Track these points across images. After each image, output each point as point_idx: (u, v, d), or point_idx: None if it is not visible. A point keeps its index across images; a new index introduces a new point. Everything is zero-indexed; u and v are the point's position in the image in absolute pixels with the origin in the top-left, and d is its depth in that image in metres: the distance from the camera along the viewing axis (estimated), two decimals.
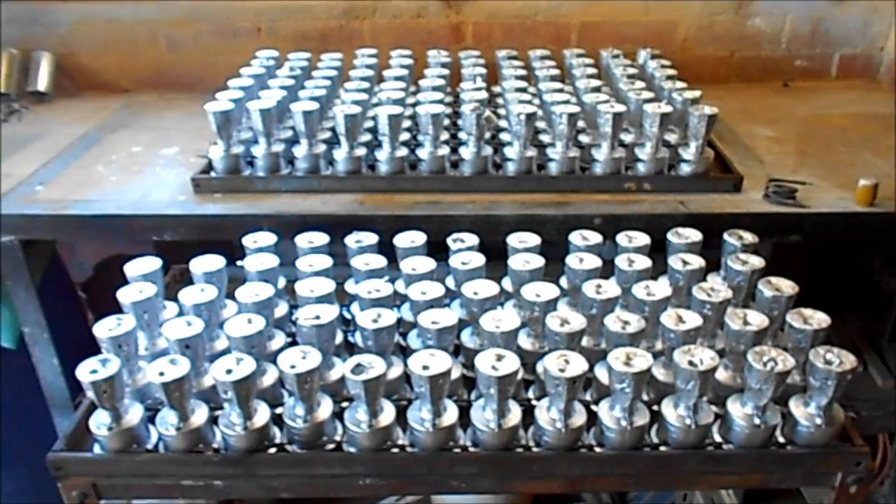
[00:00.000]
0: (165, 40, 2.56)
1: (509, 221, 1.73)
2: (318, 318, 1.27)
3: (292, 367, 1.16)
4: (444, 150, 1.86)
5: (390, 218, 1.73)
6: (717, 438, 1.27)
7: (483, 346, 1.30)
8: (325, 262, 1.48)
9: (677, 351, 1.21)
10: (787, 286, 1.38)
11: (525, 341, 1.41)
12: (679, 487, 1.29)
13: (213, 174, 1.86)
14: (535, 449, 1.25)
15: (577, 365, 1.18)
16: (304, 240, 1.56)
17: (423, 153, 1.85)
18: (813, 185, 1.84)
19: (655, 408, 1.29)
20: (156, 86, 2.60)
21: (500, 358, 1.19)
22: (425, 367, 1.17)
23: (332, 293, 1.39)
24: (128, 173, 1.95)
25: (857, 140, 2.16)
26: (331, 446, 1.25)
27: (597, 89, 2.00)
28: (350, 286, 1.52)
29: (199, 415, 1.22)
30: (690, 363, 1.18)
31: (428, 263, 1.48)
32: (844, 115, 2.35)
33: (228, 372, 1.15)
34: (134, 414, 1.22)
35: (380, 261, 1.50)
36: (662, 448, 1.26)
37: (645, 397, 1.34)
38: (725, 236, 1.56)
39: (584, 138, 1.95)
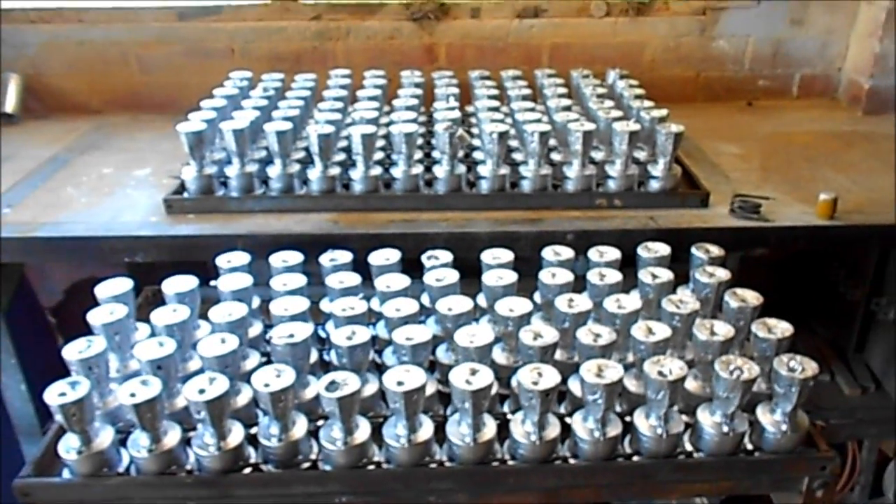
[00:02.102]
0: (137, 61, 2.56)
1: (483, 238, 1.75)
2: (292, 336, 1.27)
3: (266, 385, 1.16)
4: (418, 169, 1.88)
5: (365, 236, 1.74)
6: (689, 447, 1.29)
7: (458, 362, 1.31)
8: (300, 280, 1.49)
9: (647, 362, 1.23)
10: (753, 297, 1.42)
11: (500, 356, 1.43)
12: (652, 496, 1.30)
13: (185, 195, 1.85)
14: (510, 462, 1.26)
15: (549, 378, 1.20)
16: (278, 259, 1.56)
17: (397, 172, 1.87)
18: (776, 199, 1.89)
19: (628, 419, 1.31)
20: (128, 107, 2.59)
21: (473, 372, 1.20)
22: (400, 383, 1.17)
23: (307, 312, 1.39)
24: (98, 195, 1.94)
25: (818, 156, 2.22)
26: (306, 465, 1.25)
27: (567, 108, 2.04)
28: (325, 304, 1.53)
29: (172, 436, 1.21)
30: (660, 373, 1.21)
31: (402, 281, 1.49)
32: (806, 133, 2.42)
33: (201, 392, 1.15)
34: (105, 437, 1.21)
35: (354, 279, 1.50)
36: (635, 458, 1.28)
37: (618, 409, 1.37)
38: (693, 250, 1.59)
39: (555, 156, 1.99)
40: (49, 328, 2.54)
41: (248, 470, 1.23)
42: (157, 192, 1.91)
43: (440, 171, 1.87)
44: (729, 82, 2.72)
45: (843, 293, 2.27)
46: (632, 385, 1.36)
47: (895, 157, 2.15)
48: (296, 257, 1.57)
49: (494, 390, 1.34)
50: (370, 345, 1.31)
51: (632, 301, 1.42)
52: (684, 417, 1.32)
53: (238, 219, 1.81)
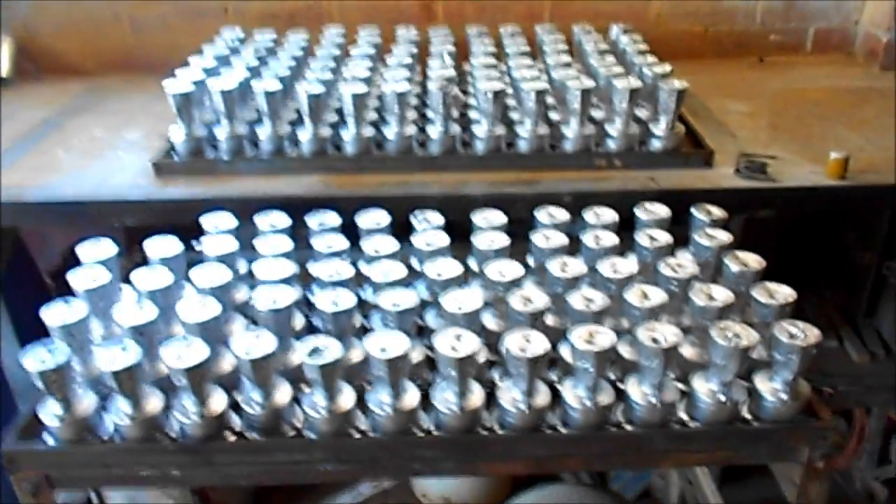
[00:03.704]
0: (129, 21, 2.51)
1: (478, 200, 1.70)
2: (275, 301, 1.24)
3: (246, 352, 1.13)
4: (411, 130, 1.83)
5: (356, 199, 1.69)
6: (683, 416, 1.26)
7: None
8: (285, 243, 1.45)
9: (640, 328, 1.19)
10: (754, 261, 1.37)
11: (490, 321, 1.39)
12: (645, 466, 1.27)
13: (175, 157, 1.81)
14: (498, 430, 1.23)
15: (538, 344, 1.16)
16: (264, 221, 1.53)
17: (389, 132, 1.81)
18: (785, 159, 1.82)
19: (622, 386, 1.27)
20: (120, 68, 2.54)
21: (459, 338, 1.16)
22: (383, 350, 1.14)
23: (292, 276, 1.35)
24: (89, 158, 1.90)
25: (831, 114, 2.14)
26: (291, 433, 1.22)
27: (567, 65, 1.97)
28: (312, 268, 1.49)
29: (154, 402, 1.19)
30: (653, 340, 1.16)
31: (390, 244, 1.44)
32: (819, 90, 2.33)
33: (179, 358, 1.12)
34: (87, 403, 1.19)
35: (341, 242, 1.46)
36: (627, 427, 1.24)
37: (612, 376, 1.33)
38: (693, 211, 1.54)
39: (554, 115, 1.92)
40: (48, 292, 2.52)
41: (231, 437, 1.21)
42: (148, 154, 1.87)
43: (434, 131, 1.81)
44: (739, 37, 2.62)
45: (853, 256, 2.21)
46: (626, 352, 1.32)
47: None
48: (282, 220, 1.53)
49: (483, 357, 1.31)
50: (355, 311, 1.27)
51: (627, 265, 1.37)
52: (681, 385, 1.28)
53: (228, 181, 1.77)
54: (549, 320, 1.40)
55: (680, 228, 1.56)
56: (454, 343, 1.15)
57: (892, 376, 2.11)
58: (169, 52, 2.49)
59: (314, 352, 1.14)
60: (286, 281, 1.32)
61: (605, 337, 1.17)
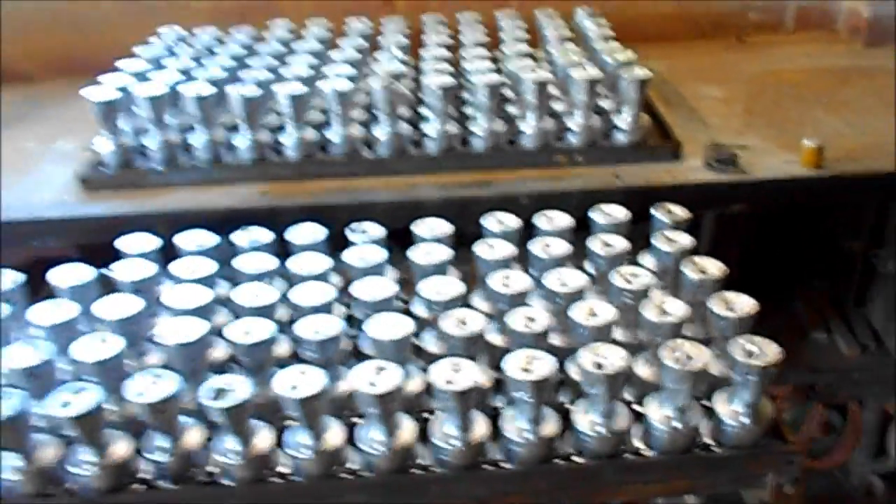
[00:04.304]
0: (71, 21, 2.37)
1: (429, 206, 1.58)
2: (181, 334, 1.12)
3: (139, 395, 1.02)
4: (357, 131, 1.71)
5: (295, 209, 1.57)
6: (638, 444, 1.14)
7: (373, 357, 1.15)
8: (206, 266, 1.32)
9: (582, 350, 1.07)
10: (715, 267, 1.24)
11: (432, 345, 1.27)
12: (599, 499, 1.15)
13: (103, 169, 1.69)
14: (434, 469, 1.12)
15: (468, 374, 1.04)
16: (186, 240, 1.40)
17: (332, 135, 1.69)
18: (757, 148, 1.70)
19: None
20: (64, 72, 2.40)
21: (379, 370, 1.04)
22: (293, 388, 1.02)
23: (208, 304, 1.23)
24: (13, 173, 1.77)
25: (810, 96, 2.00)
26: (204, 479, 1.11)
27: (525, 55, 1.84)
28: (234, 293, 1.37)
29: (46, 453, 1.06)
30: (597, 365, 1.04)
31: (320, 262, 1.32)
32: (799, 70, 2.19)
33: (65, 405, 1.00)
34: None
35: (269, 261, 1.34)
36: (577, 458, 1.12)
37: (565, 400, 1.21)
38: (652, 211, 1.41)
39: (512, 110, 1.80)
40: None
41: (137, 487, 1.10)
42: (79, 166, 1.75)
43: (380, 131, 1.69)
44: (716, 16, 2.47)
45: (841, 246, 2.09)
46: (576, 374, 1.20)
47: None
48: (207, 238, 1.40)
49: (416, 387, 1.19)
50: (272, 341, 1.15)
51: (576, 277, 1.25)
52: (638, 408, 1.16)
53: (160, 194, 1.64)
54: (497, 340, 1.28)
55: (646, 228, 1.44)
56: (373, 377, 1.03)
57: (883, 368, 2.00)
58: (116, 53, 2.36)
59: (218, 392, 1.02)
60: (200, 310, 1.19)
61: (543, 363, 1.05)
